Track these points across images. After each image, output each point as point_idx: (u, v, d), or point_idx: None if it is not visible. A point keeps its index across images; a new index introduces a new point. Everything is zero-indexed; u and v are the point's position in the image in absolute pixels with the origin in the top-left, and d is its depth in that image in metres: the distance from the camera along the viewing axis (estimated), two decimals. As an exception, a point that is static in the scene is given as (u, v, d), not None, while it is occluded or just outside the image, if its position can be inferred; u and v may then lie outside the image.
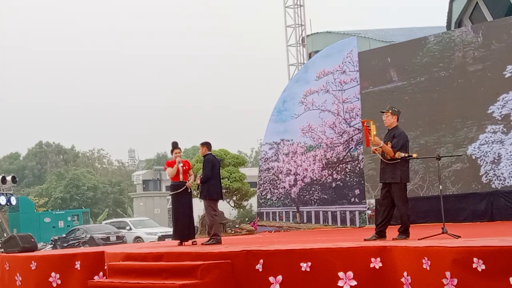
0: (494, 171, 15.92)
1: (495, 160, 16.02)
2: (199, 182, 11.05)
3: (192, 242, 11.36)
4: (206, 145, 11.37)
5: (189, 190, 11.54)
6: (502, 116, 16.10)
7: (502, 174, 15.80)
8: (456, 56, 17.54)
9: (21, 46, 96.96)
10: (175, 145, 11.63)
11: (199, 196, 11.38)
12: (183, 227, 11.39)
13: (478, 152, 16.32)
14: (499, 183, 15.83)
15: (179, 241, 11.36)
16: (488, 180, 16.02)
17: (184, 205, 11.45)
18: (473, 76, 16.97)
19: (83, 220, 37.35)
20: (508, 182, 15.70)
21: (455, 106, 17.06)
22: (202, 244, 10.86)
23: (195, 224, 25.53)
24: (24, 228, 30.55)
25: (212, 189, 11.05)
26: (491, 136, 16.18)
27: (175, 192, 11.44)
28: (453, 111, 17.07)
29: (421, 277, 6.56)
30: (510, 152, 15.83)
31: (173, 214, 11.68)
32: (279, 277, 7.53)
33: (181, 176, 11.41)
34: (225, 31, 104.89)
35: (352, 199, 18.38)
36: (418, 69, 17.98)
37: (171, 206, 11.97)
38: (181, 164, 11.46)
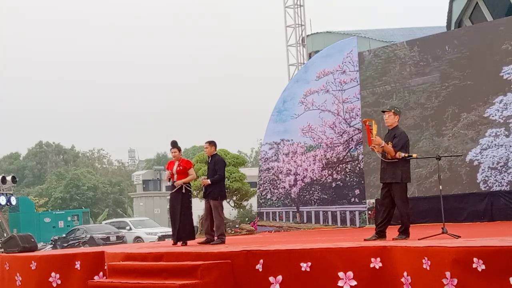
0: (495, 176, 15.84)
1: (494, 165, 15.98)
2: (208, 182, 10.98)
3: (182, 243, 11.22)
4: (215, 144, 11.30)
5: (183, 190, 11.30)
6: (501, 119, 16.09)
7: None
8: (396, 70, 18.06)
9: (21, 46, 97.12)
10: (172, 144, 11.55)
11: (204, 195, 11.29)
12: (174, 227, 11.35)
13: (479, 157, 16.28)
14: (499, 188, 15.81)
15: (173, 241, 11.37)
16: (488, 187, 15.97)
17: (177, 205, 11.32)
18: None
19: (83, 220, 37.36)
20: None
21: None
22: (199, 243, 10.87)
23: (195, 224, 25.62)
24: (24, 228, 30.55)
25: (223, 189, 11.24)
26: (492, 141, 16.15)
27: (171, 192, 11.47)
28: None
29: (421, 277, 6.56)
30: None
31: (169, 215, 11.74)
32: (279, 277, 7.53)
33: (175, 177, 11.35)
34: (225, 31, 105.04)
35: (352, 199, 18.38)
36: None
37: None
38: (175, 166, 11.39)
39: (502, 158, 15.72)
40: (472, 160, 16.19)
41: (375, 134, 8.77)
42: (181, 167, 11.35)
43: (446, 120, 16.87)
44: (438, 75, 17.25)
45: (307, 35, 27.31)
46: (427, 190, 16.54)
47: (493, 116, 16.04)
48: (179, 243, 11.22)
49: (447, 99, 16.97)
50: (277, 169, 20.24)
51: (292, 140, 20.02)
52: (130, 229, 30.27)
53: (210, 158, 11.28)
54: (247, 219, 31.64)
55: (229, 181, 23.19)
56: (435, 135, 16.92)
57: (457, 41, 17.12)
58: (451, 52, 17.10)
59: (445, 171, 16.23)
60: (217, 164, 11.08)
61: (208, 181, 10.97)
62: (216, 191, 11.00)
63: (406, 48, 18.07)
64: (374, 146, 8.79)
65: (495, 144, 15.86)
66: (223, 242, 10.84)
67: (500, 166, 15.74)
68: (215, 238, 10.94)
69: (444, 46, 17.26)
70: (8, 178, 21.36)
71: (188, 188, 11.43)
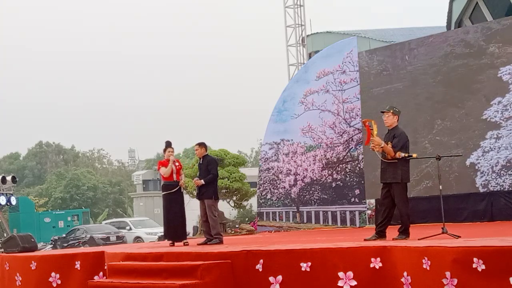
0: (495, 179, 15.79)
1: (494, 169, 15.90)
2: (202, 182, 11.02)
3: (184, 243, 11.23)
4: (205, 146, 11.42)
5: (182, 190, 11.47)
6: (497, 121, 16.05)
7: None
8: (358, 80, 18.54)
9: (21, 46, 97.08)
10: (168, 144, 11.57)
11: (198, 196, 11.34)
12: (175, 228, 11.30)
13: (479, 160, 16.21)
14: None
15: (171, 241, 11.31)
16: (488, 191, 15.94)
17: (177, 205, 11.33)
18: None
19: (83, 220, 37.36)
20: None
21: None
22: (198, 244, 10.87)
23: (195, 224, 25.62)
24: (24, 228, 30.55)
25: (216, 189, 11.28)
26: (494, 143, 16.06)
27: (169, 192, 11.32)
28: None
29: (421, 277, 6.56)
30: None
31: (166, 214, 11.43)
32: (279, 277, 7.53)
33: (174, 176, 11.33)
34: (225, 31, 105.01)
35: (352, 199, 18.38)
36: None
37: (163, 206, 11.67)
38: (177, 164, 11.43)
39: (504, 160, 15.65)
40: (474, 164, 16.08)
41: (375, 134, 8.77)
42: (178, 166, 11.48)
43: (419, 127, 16.86)
44: (406, 84, 17.52)
45: (307, 35, 27.32)
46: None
47: (492, 118, 16.00)
48: (180, 243, 11.22)
49: (418, 107, 16.97)
50: (277, 169, 20.23)
51: (292, 140, 20.01)
52: (130, 229, 30.28)
53: (201, 160, 11.38)
54: (247, 219, 31.61)
55: (229, 181, 23.19)
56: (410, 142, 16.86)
57: (417, 51, 17.43)
58: (417, 60, 17.37)
59: (433, 178, 16.17)
60: (210, 164, 11.16)
61: (202, 181, 11.03)
62: (210, 190, 11.08)
63: (366, 58, 18.44)
64: (373, 146, 8.79)
65: (496, 147, 15.79)
66: (221, 241, 10.86)
67: (498, 169, 15.71)
68: (213, 237, 10.97)
69: (405, 56, 17.64)
70: (8, 178, 21.35)
71: (183, 188, 11.63)
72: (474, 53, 16.43)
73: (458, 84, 16.56)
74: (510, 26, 16.11)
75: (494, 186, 15.68)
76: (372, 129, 8.78)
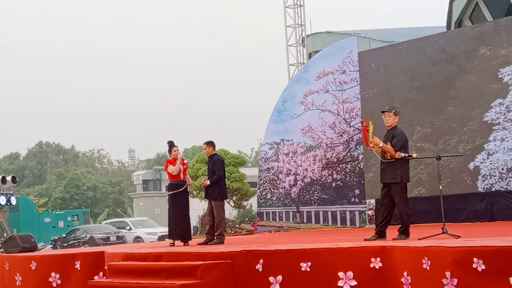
0: (499, 183, 15.72)
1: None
2: (208, 183, 11.01)
3: (184, 243, 11.24)
4: (213, 144, 11.32)
5: (188, 190, 11.53)
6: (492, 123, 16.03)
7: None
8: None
9: (21, 46, 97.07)
10: (172, 143, 11.55)
11: (206, 196, 11.33)
12: (182, 227, 11.31)
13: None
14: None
15: (171, 241, 11.30)
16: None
17: (183, 205, 11.36)
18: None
19: (83, 220, 37.36)
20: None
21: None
22: (198, 244, 10.86)
23: (195, 224, 25.63)
24: (24, 228, 30.56)
25: (224, 189, 11.24)
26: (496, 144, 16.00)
27: (176, 191, 11.32)
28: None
29: (421, 277, 6.56)
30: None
31: (172, 214, 11.42)
32: (279, 277, 7.53)
33: (181, 175, 11.35)
34: (225, 31, 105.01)
35: (352, 199, 18.38)
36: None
37: (169, 206, 11.65)
38: (186, 161, 11.47)
39: (509, 162, 15.59)
40: (476, 167, 16.03)
41: (371, 134, 8.79)
42: (185, 166, 11.48)
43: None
44: (380, 90, 17.76)
45: (307, 35, 27.33)
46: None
47: (494, 120, 15.96)
48: (181, 243, 11.22)
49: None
50: (277, 169, 20.24)
51: (292, 140, 20.02)
52: (130, 229, 30.27)
53: (209, 159, 11.31)
54: (247, 219, 31.60)
55: (229, 181, 23.19)
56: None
57: (382, 59, 17.76)
58: (391, 66, 17.63)
59: (424, 184, 16.11)
60: (215, 164, 11.09)
61: (208, 182, 11.01)
62: (216, 191, 11.03)
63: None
64: (373, 146, 8.80)
65: (501, 149, 15.70)
66: (221, 242, 10.84)
67: (498, 173, 15.68)
68: (215, 238, 10.96)
69: (376, 62, 17.93)
70: (8, 178, 21.32)
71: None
72: (464, 56, 16.53)
73: (438, 89, 16.68)
74: (494, 29, 16.24)
75: (497, 189, 15.67)
76: (368, 129, 8.79)
